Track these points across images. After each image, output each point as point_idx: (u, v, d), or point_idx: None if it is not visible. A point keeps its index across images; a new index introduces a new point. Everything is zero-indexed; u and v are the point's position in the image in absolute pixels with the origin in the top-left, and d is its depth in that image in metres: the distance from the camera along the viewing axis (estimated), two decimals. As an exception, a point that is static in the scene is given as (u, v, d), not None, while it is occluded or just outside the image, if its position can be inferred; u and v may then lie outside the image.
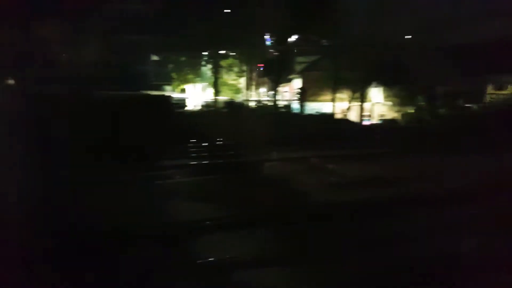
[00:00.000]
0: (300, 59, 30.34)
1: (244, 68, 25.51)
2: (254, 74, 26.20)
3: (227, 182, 10.13)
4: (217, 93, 24.10)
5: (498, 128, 17.21)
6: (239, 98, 24.75)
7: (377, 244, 6.36)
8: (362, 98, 23.89)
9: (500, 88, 30.33)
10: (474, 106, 26.96)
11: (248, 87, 24.59)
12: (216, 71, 24.78)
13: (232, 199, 8.59)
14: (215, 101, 23.33)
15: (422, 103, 23.71)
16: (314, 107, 24.46)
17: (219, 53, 25.41)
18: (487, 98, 30.24)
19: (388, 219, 7.71)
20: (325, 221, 7.42)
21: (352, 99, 24.81)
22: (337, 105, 25.30)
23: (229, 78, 27.11)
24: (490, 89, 30.72)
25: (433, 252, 5.89)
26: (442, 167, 12.20)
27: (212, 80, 24.93)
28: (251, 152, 12.92)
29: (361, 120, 24.01)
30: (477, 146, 14.21)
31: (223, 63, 26.31)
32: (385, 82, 26.18)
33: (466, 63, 30.05)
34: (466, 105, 27.58)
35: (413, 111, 23.67)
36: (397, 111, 25.02)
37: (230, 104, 21.63)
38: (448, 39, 31.06)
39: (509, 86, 28.12)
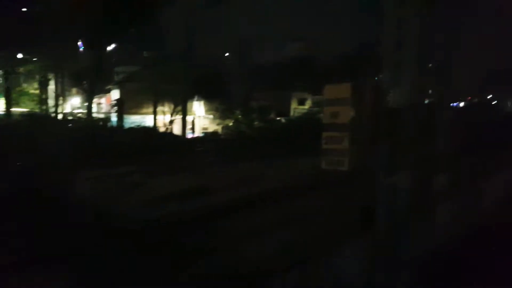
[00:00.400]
0: (119, 69, 28.73)
1: (51, 76, 22.28)
2: (64, 83, 23.19)
3: (23, 210, 8.40)
4: (12, 104, 20.28)
5: (302, 137, 20.03)
6: (44, 110, 21.39)
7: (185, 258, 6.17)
8: (185, 111, 24.01)
9: (302, 103, 35.45)
10: (283, 119, 30.45)
11: (56, 97, 21.52)
12: (10, 78, 20.86)
13: (29, 230, 7.10)
14: (9, 114, 19.54)
15: (239, 117, 25.38)
16: (134, 120, 23.29)
17: (16, 58, 21.56)
18: (292, 112, 34.99)
19: (205, 229, 7.66)
20: (137, 242, 6.82)
21: (175, 112, 24.68)
22: (159, 118, 24.77)
23: (30, 87, 23.26)
24: (294, 104, 35.68)
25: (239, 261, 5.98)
26: (257, 173, 13.08)
27: (5, 89, 20.89)
28: (56, 173, 11.17)
29: (184, 132, 24.10)
30: (285, 153, 16.03)
31: (22, 69, 22.41)
32: (206, 96, 27.11)
33: (276, 81, 34.23)
34: (277, 118, 31.10)
35: (231, 123, 25.08)
36: (218, 124, 26.13)
37: (31, 117, 18.48)
38: (263, 58, 34.70)
39: (307, 102, 32.94)
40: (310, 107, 32.34)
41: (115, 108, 23.27)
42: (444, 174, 7.92)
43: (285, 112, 34.34)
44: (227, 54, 35.85)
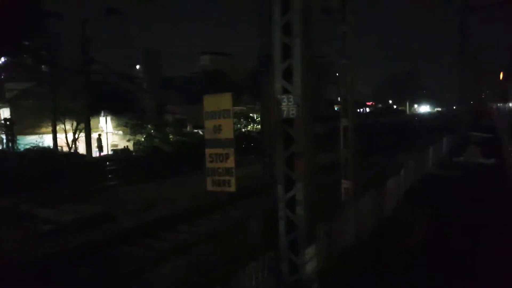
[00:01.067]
0: (10, 85, 25.63)
1: None
2: None
3: None
4: None
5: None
6: None
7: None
8: (88, 128, 22.02)
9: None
10: (200, 131, 29.65)
11: None
12: None
13: None
14: None
15: (152, 131, 24.10)
16: (30, 140, 20.79)
17: None
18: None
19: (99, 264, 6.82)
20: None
21: (78, 130, 22.57)
22: (61, 136, 22.46)
23: None
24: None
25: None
26: (162, 195, 12.20)
27: None
28: None
29: (89, 151, 22.10)
30: (199, 167, 15.30)
31: None
32: (114, 111, 25.34)
33: (191, 93, 33.42)
34: (194, 130, 30.20)
35: (143, 139, 23.68)
36: (129, 140, 24.54)
37: None
38: (177, 71, 33.65)
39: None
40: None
41: (4, 128, 20.53)
42: (348, 180, 7.96)
43: (202, 124, 33.56)
44: (137, 67, 34.30)
